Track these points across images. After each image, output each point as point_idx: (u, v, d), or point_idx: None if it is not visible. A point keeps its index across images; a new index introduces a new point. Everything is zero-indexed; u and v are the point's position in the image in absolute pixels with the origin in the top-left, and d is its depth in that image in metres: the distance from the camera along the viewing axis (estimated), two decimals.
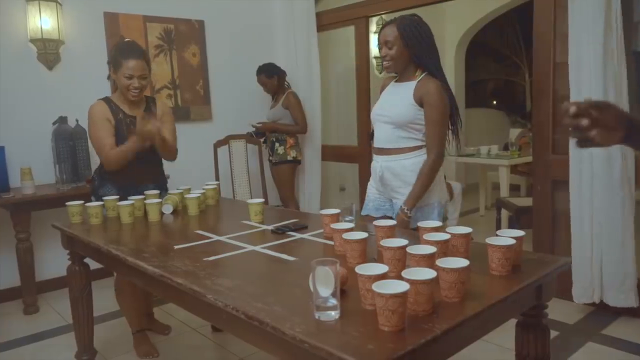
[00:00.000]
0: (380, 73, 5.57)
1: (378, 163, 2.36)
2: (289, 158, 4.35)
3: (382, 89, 2.47)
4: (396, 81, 2.38)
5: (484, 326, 1.28)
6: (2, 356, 2.73)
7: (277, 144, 4.37)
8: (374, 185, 2.45)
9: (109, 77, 2.62)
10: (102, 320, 3.07)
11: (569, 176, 2.88)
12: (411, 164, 2.27)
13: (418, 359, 1.03)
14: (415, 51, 2.23)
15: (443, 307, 1.18)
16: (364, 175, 4.40)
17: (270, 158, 4.45)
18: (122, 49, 2.46)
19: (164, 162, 2.72)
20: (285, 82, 4.42)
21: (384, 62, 2.30)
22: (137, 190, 2.52)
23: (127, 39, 2.62)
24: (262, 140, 4.55)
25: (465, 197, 5.38)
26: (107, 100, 2.52)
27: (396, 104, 2.28)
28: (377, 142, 2.39)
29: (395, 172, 2.30)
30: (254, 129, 4.43)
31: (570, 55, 2.82)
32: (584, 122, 1.05)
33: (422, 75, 2.26)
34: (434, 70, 2.26)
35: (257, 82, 4.38)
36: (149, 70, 2.50)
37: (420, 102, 2.23)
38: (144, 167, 2.57)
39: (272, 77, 4.32)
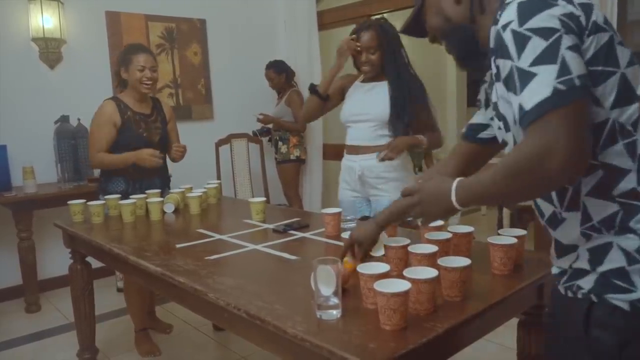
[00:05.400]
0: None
1: (356, 162, 2.40)
2: (292, 157, 4.37)
3: (342, 90, 2.51)
4: (363, 81, 2.43)
5: (485, 325, 1.28)
6: (4, 355, 2.74)
7: (280, 143, 4.39)
8: (348, 186, 2.48)
9: (117, 86, 2.70)
10: (104, 318, 3.07)
11: None
12: (390, 161, 2.33)
13: (419, 358, 1.03)
14: (389, 57, 2.31)
15: (444, 306, 1.18)
16: None
17: (276, 156, 4.46)
18: (131, 48, 2.66)
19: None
20: (293, 82, 4.44)
21: (365, 67, 2.36)
22: (143, 184, 2.62)
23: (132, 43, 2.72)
24: (267, 139, 4.56)
25: None
26: (116, 99, 2.60)
27: (377, 103, 2.33)
28: (354, 141, 2.42)
29: (376, 169, 2.35)
30: (259, 127, 4.45)
31: None
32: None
33: (391, 77, 2.34)
34: (403, 71, 2.33)
35: (264, 75, 4.39)
36: (157, 66, 2.63)
37: None
38: None
39: (281, 73, 4.35)
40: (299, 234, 1.93)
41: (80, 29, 3.76)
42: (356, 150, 2.42)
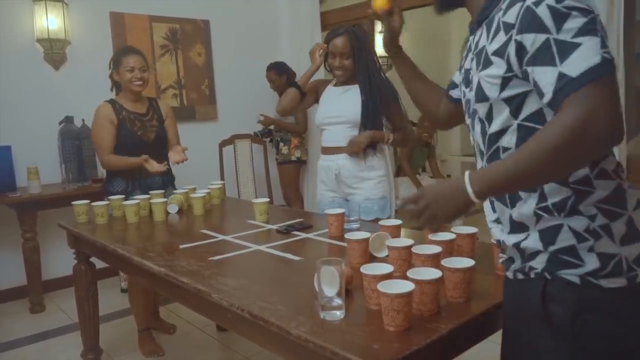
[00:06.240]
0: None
1: (332, 162, 2.45)
2: (293, 158, 4.37)
3: (316, 91, 2.57)
4: (336, 85, 2.49)
5: (489, 326, 1.27)
6: (8, 355, 2.75)
7: (281, 144, 4.39)
8: (327, 187, 2.52)
9: (112, 89, 2.74)
10: (108, 319, 3.07)
11: None
12: (366, 160, 2.41)
13: (423, 359, 1.03)
14: (361, 63, 2.37)
15: (448, 307, 1.18)
16: None
17: (277, 157, 4.47)
18: (121, 50, 2.75)
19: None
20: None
21: (338, 72, 2.41)
22: (145, 183, 2.64)
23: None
24: (268, 140, 4.56)
25: None
26: (111, 101, 2.66)
27: (351, 105, 2.40)
28: (331, 142, 2.46)
29: (352, 168, 2.41)
30: (260, 129, 4.45)
31: None
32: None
33: (362, 82, 2.39)
34: (374, 76, 2.39)
35: (265, 77, 4.40)
36: (147, 66, 2.67)
37: None
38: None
39: (281, 75, 4.35)
40: (303, 235, 1.93)
41: (85, 30, 3.77)
42: (332, 150, 2.47)
